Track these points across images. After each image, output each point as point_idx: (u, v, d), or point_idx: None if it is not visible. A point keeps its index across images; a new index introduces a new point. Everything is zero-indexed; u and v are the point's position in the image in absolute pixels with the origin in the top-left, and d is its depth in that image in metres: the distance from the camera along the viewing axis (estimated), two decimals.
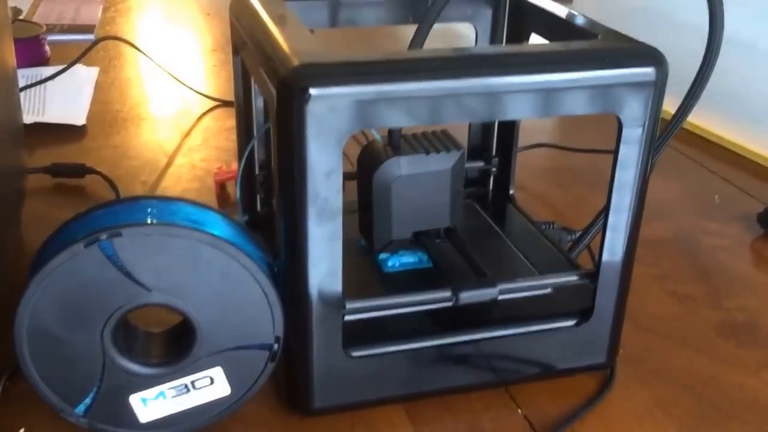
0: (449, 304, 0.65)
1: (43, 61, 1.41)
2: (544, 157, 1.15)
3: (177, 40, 1.62)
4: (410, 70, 0.57)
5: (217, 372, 0.60)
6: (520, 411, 0.67)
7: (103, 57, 1.46)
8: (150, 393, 0.60)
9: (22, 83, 1.22)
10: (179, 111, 1.25)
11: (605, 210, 0.65)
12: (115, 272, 0.56)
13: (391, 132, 0.68)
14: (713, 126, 1.23)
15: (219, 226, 0.60)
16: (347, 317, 0.62)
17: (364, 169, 0.70)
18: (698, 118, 1.23)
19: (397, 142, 0.69)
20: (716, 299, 0.84)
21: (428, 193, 0.71)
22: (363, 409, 0.66)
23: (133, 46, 1.38)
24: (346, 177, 0.58)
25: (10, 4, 1.16)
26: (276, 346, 0.61)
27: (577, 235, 0.81)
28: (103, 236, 0.55)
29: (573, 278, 0.69)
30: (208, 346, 0.60)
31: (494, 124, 0.86)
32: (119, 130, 1.17)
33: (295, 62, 0.56)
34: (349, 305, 0.62)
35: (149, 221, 0.57)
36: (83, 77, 1.33)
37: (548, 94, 0.59)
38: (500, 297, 0.66)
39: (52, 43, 1.46)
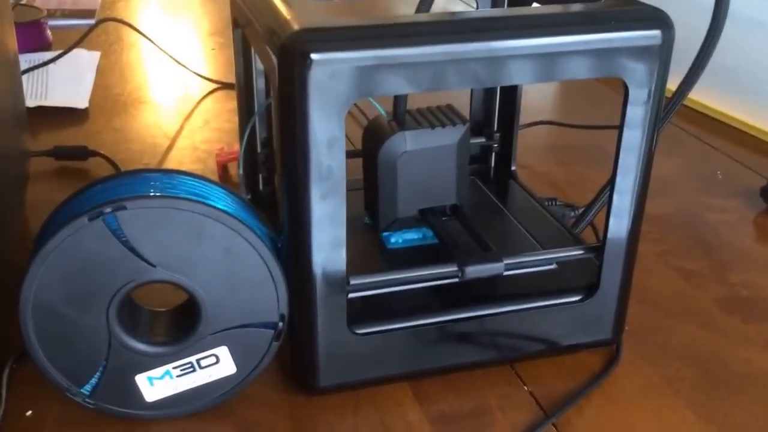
0: (455, 279, 0.64)
1: (45, 46, 1.40)
2: (545, 134, 1.14)
3: (176, 24, 1.61)
4: (413, 34, 0.57)
5: (223, 351, 0.60)
6: (525, 388, 0.67)
7: (104, 41, 1.45)
8: (156, 372, 0.60)
9: (24, 67, 1.22)
10: (180, 94, 1.25)
11: (611, 178, 0.64)
12: (119, 247, 0.56)
13: (395, 106, 0.68)
14: (715, 102, 1.22)
15: (222, 199, 0.60)
16: (351, 294, 0.62)
17: (369, 145, 0.69)
18: (699, 94, 1.22)
19: (401, 117, 0.68)
20: (721, 274, 0.84)
21: (434, 169, 0.70)
22: (368, 387, 0.66)
23: (133, 27, 1.37)
24: (349, 155, 0.57)
25: None
26: (281, 324, 0.61)
27: (580, 211, 0.80)
28: (107, 209, 0.55)
29: (578, 252, 0.68)
30: (213, 325, 0.59)
31: (496, 98, 0.86)
32: (120, 113, 1.17)
33: (296, 27, 0.55)
34: (353, 281, 0.61)
35: (153, 194, 0.57)
36: (85, 61, 1.32)
37: (552, 57, 0.58)
38: (505, 272, 0.65)
39: (54, 29, 1.45)
